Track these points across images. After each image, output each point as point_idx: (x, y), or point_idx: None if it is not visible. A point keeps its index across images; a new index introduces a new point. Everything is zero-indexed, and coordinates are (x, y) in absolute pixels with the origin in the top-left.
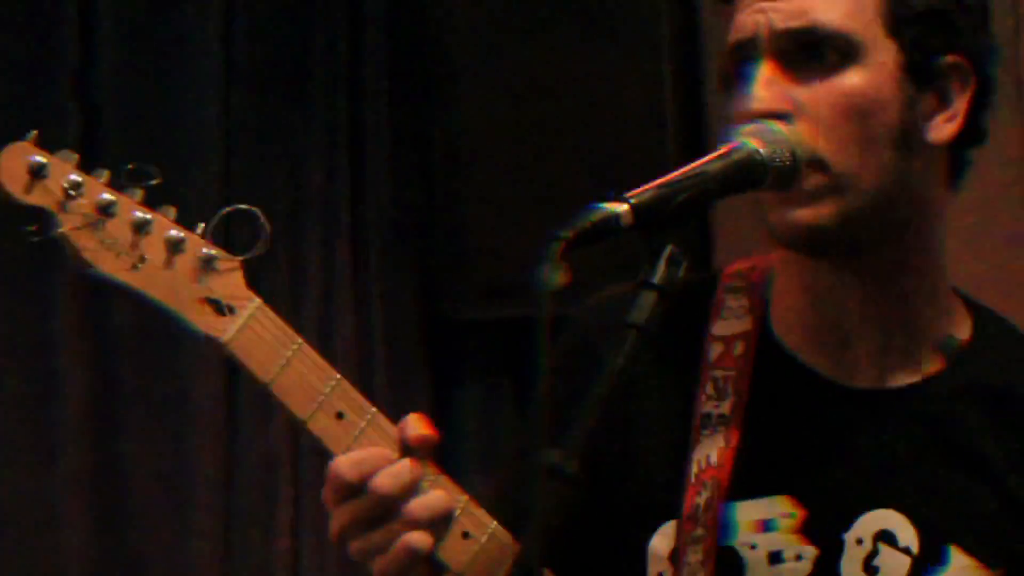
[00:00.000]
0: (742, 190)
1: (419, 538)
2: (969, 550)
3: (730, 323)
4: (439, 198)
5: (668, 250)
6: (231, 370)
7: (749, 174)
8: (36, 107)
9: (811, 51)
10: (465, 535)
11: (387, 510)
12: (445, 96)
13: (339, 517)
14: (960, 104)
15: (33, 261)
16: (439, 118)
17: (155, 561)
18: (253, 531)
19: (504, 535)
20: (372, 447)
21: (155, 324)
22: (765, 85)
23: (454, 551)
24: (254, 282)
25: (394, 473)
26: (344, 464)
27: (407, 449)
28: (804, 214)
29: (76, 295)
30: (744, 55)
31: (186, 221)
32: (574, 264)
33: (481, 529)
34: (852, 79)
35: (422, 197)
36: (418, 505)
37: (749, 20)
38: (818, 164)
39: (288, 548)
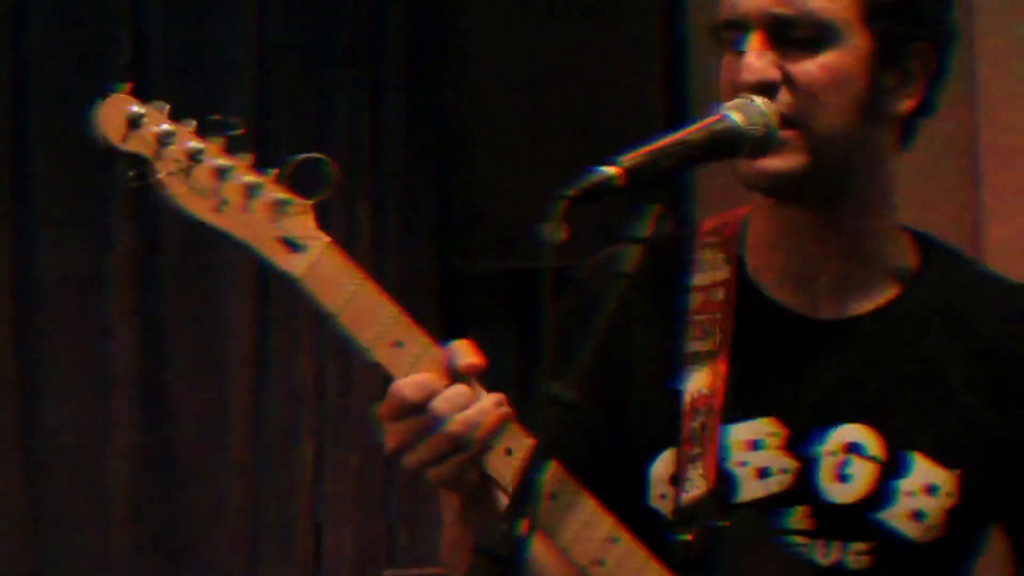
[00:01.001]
0: (722, 156)
1: (468, 450)
2: (929, 454)
3: (708, 275)
4: (452, 162)
5: (655, 208)
6: (261, 315)
7: (729, 143)
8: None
9: (796, 32)
10: (508, 451)
11: (441, 423)
12: (459, 69)
13: (396, 433)
14: (920, 83)
15: (85, 209)
16: (453, 87)
17: (195, 485)
18: (279, 455)
19: None
20: (428, 372)
21: (195, 269)
22: (756, 56)
23: (498, 465)
24: None
25: (450, 397)
26: (407, 386)
27: (457, 375)
28: (775, 162)
29: (125, 241)
30: (735, 29)
31: None
32: (578, 223)
33: (522, 446)
34: (830, 58)
35: (436, 162)
36: (468, 423)
37: (740, 2)
38: (794, 123)
39: (310, 472)
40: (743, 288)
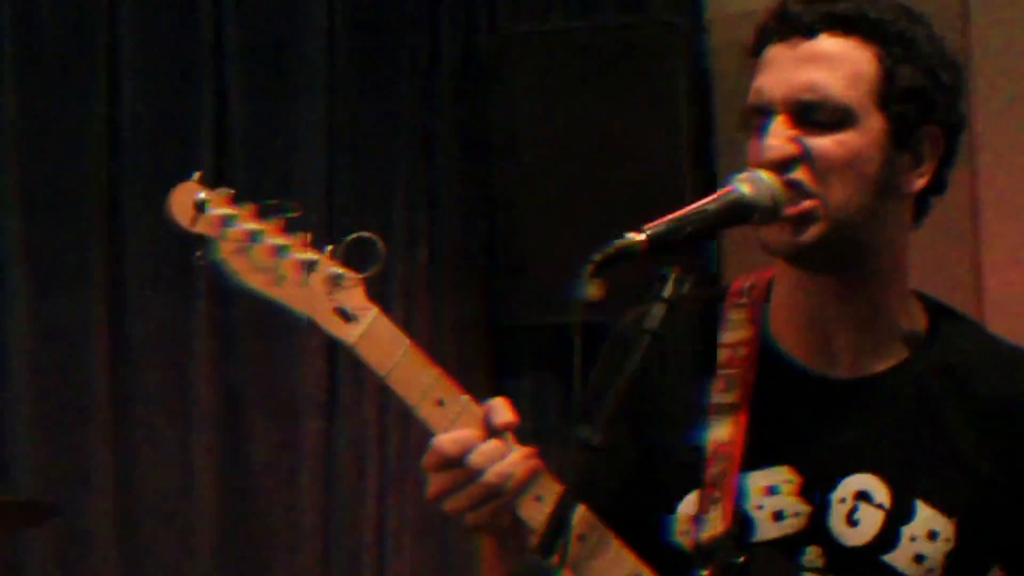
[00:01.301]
0: (734, 224)
1: (502, 499)
2: (931, 503)
3: (734, 333)
4: (500, 226)
5: (675, 271)
6: (331, 367)
7: (740, 211)
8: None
9: (818, 115)
10: (538, 498)
11: (478, 475)
12: (507, 144)
13: (437, 482)
14: (931, 164)
15: (173, 276)
16: (503, 160)
17: (271, 515)
18: (347, 491)
19: None
20: (467, 428)
21: (272, 327)
22: (777, 136)
23: (530, 510)
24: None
25: (485, 452)
26: (446, 442)
27: (493, 430)
28: (795, 233)
29: (208, 304)
30: (762, 114)
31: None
32: (616, 282)
33: (551, 493)
34: (847, 138)
35: (486, 225)
36: (501, 474)
37: (767, 89)
38: (811, 195)
39: (375, 506)
40: (765, 347)
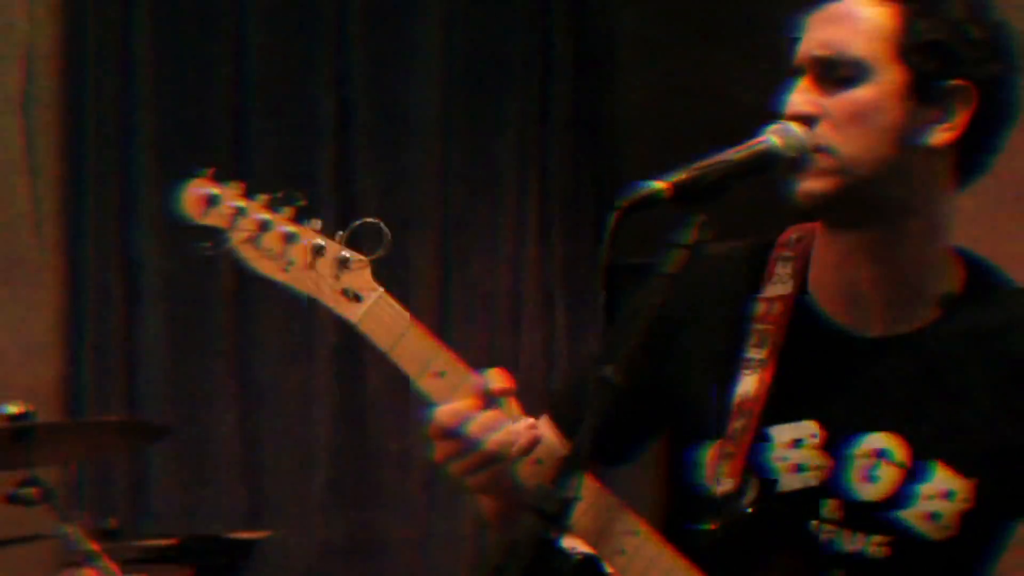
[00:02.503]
0: (758, 173)
1: (500, 464)
2: (949, 463)
3: (775, 287)
4: (610, 166)
5: (699, 219)
6: (443, 303)
7: (764, 162)
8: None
9: (835, 71)
10: (538, 461)
11: (475, 444)
12: (615, 86)
13: (440, 450)
14: (960, 119)
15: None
16: (610, 101)
17: (382, 448)
18: None
19: None
20: (465, 399)
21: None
22: (799, 94)
23: (528, 473)
24: (475, 239)
25: (480, 422)
26: (444, 413)
27: (490, 399)
28: (812, 185)
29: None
30: (797, 73)
31: (422, 190)
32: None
33: (550, 456)
34: (863, 92)
35: (595, 165)
36: (497, 442)
37: (798, 50)
38: (830, 151)
39: None
40: (801, 301)
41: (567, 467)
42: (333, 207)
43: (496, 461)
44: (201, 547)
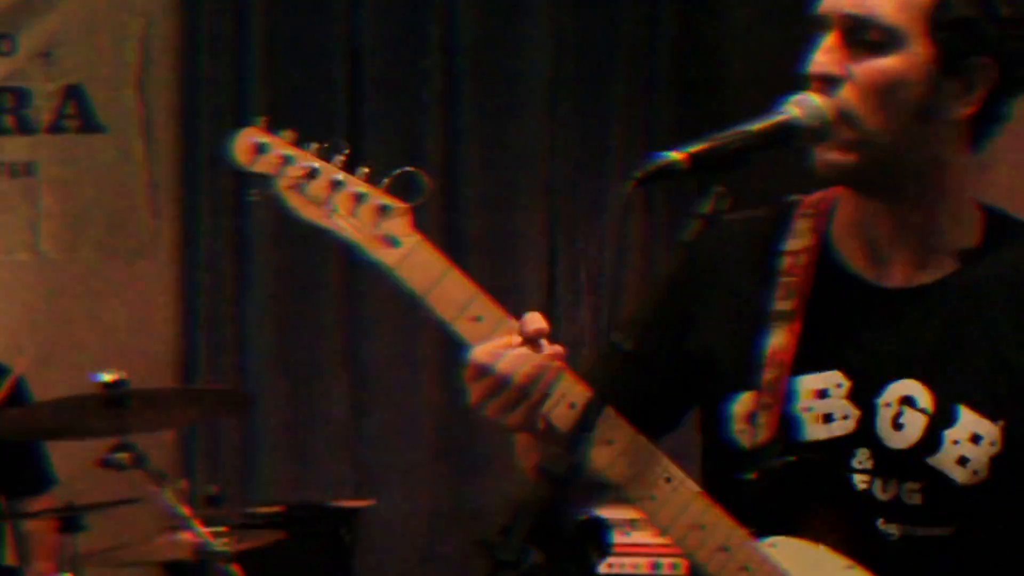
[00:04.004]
0: (779, 145)
1: (532, 400)
2: (975, 407)
3: (797, 240)
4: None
5: (716, 189)
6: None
7: (786, 132)
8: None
9: (864, 34)
10: (572, 405)
11: (507, 381)
12: (721, 66)
13: (475, 391)
14: (981, 93)
15: (401, 180)
16: (717, 84)
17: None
18: None
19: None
20: (500, 339)
21: (497, 238)
22: (825, 52)
23: (562, 416)
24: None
25: (513, 357)
26: (479, 352)
27: (527, 339)
28: (835, 156)
29: (436, 208)
30: (819, 25)
31: (528, 164)
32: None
33: (584, 399)
34: (890, 61)
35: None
36: (528, 376)
37: (825, 1)
38: (852, 120)
39: None
40: (824, 255)
41: (577, 429)
42: (439, 178)
43: (527, 396)
44: (303, 514)
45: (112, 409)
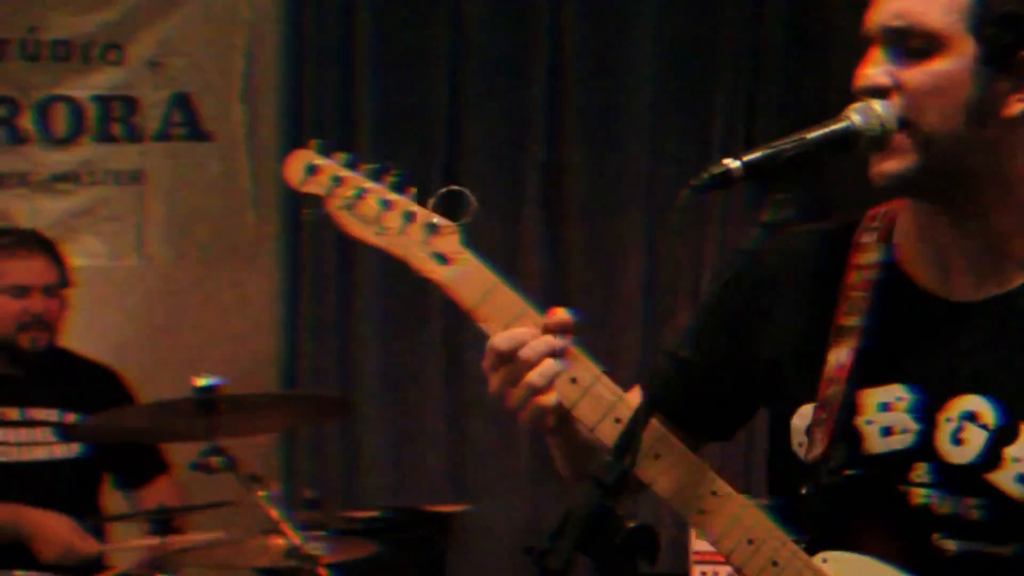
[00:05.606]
0: (838, 152)
1: (547, 395)
2: None
3: (862, 255)
4: None
5: (776, 197)
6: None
7: (843, 140)
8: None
9: (908, 42)
10: (615, 420)
11: (526, 367)
12: (825, 78)
13: (495, 379)
14: None
15: (506, 184)
16: (820, 97)
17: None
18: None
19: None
20: (523, 327)
21: (597, 241)
22: (872, 66)
23: (607, 432)
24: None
25: (532, 345)
26: (499, 339)
27: (546, 330)
28: (891, 164)
29: (534, 207)
30: (867, 42)
31: (632, 173)
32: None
33: (613, 393)
34: (936, 65)
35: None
36: (549, 364)
37: (870, 18)
38: (906, 127)
39: None
40: (888, 268)
41: (625, 439)
42: (541, 188)
43: (546, 381)
44: (399, 520)
45: (203, 413)
